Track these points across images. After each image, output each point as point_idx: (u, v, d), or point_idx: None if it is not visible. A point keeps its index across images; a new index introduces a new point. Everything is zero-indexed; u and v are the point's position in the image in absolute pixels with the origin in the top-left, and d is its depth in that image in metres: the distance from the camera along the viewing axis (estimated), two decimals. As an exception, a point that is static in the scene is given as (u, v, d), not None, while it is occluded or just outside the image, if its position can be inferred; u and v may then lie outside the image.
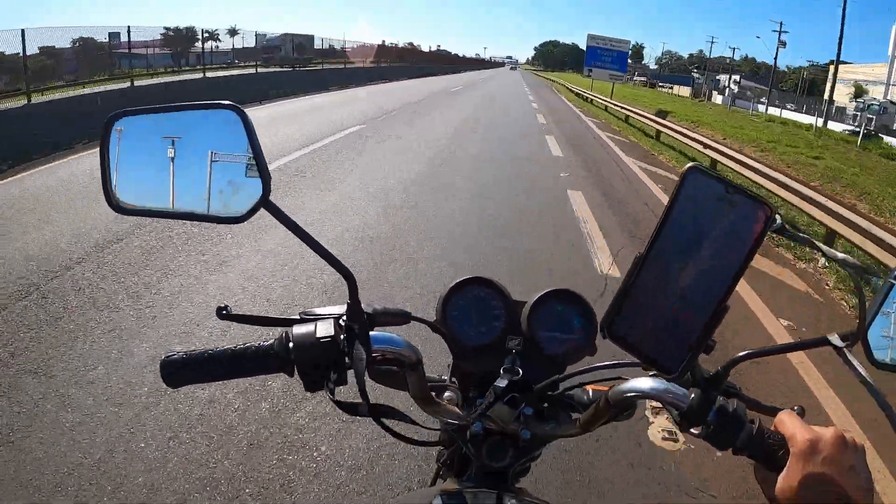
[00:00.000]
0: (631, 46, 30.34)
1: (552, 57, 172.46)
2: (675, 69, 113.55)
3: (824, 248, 0.50)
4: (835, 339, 0.52)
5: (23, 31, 9.85)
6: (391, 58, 41.31)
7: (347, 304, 0.61)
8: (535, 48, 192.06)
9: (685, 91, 61.84)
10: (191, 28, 21.03)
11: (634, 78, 73.00)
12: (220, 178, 0.56)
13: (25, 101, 9.75)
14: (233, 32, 26.02)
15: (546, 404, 0.77)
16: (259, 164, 0.54)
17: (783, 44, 49.02)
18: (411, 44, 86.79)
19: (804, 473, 0.49)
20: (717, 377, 0.56)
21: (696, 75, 63.41)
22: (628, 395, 0.62)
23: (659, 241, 0.47)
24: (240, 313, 0.60)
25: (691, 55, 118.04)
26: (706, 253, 0.46)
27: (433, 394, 0.75)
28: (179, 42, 19.96)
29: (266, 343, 0.61)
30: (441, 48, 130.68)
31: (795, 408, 0.57)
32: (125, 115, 0.59)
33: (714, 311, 0.47)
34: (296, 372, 0.59)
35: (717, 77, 62.06)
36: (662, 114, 17.62)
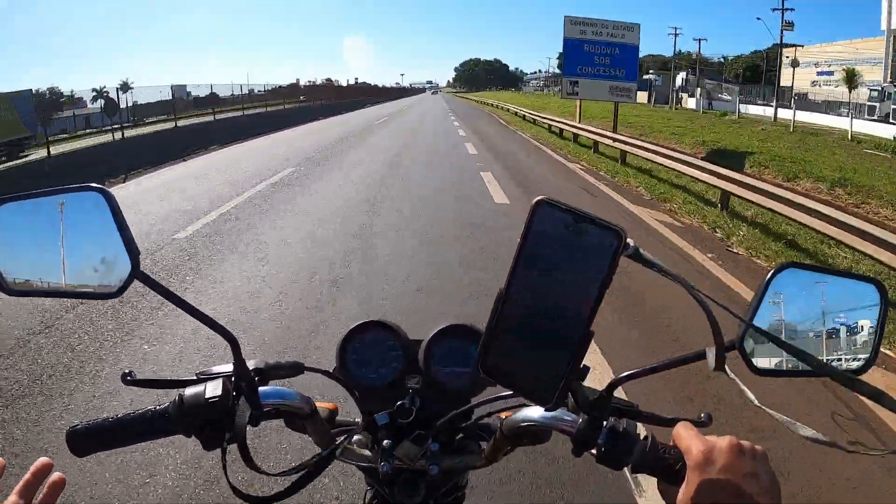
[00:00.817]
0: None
1: (475, 76, 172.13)
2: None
3: (674, 273, 0.52)
4: (711, 353, 0.55)
5: None
6: (304, 97, 40.56)
7: (233, 364, 0.65)
8: (456, 69, 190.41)
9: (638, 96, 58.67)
10: (53, 90, 19.04)
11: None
12: (94, 256, 0.62)
13: None
14: (98, 95, 22.08)
15: (461, 436, 0.83)
16: (126, 241, 0.60)
17: (790, 24, 41.14)
18: (329, 79, 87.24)
19: (701, 484, 0.51)
20: (602, 399, 0.59)
21: (652, 77, 60.94)
22: (522, 424, 0.68)
23: (517, 276, 0.49)
24: (143, 378, 0.66)
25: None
26: (565, 282, 0.48)
27: (343, 437, 0.81)
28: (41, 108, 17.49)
29: (162, 406, 0.65)
30: (359, 80, 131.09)
31: (703, 415, 0.59)
32: (6, 202, 0.64)
33: (579, 337, 0.49)
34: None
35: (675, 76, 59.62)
36: (737, 161, 11.04)
